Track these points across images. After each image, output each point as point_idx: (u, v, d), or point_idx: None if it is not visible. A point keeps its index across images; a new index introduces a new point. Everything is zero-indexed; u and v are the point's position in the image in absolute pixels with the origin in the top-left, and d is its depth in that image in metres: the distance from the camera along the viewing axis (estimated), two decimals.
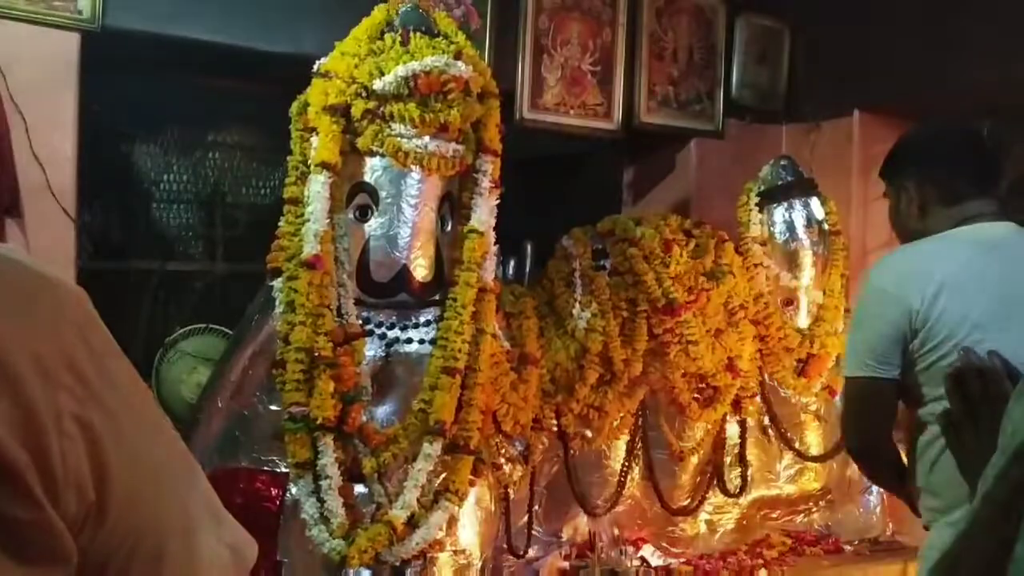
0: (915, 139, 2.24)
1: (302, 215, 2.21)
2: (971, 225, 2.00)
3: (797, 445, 3.04)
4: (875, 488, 3.17)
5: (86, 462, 0.68)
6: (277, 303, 2.22)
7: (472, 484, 2.28)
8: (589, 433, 2.65)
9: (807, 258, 2.99)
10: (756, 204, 3.03)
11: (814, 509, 3.10)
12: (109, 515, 0.70)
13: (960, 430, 1.09)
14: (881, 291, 2.01)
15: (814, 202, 3.02)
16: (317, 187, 2.17)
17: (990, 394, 1.07)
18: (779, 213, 3.00)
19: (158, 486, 0.76)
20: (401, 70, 2.13)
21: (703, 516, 2.91)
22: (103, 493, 0.70)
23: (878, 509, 3.17)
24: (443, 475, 2.23)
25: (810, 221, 3.00)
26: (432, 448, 2.19)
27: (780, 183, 3.03)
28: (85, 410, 0.68)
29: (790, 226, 2.98)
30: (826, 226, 3.03)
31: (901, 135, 2.30)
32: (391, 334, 2.30)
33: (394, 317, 2.31)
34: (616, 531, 2.74)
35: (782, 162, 3.08)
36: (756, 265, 2.98)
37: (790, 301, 3.00)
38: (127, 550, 0.73)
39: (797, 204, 3.00)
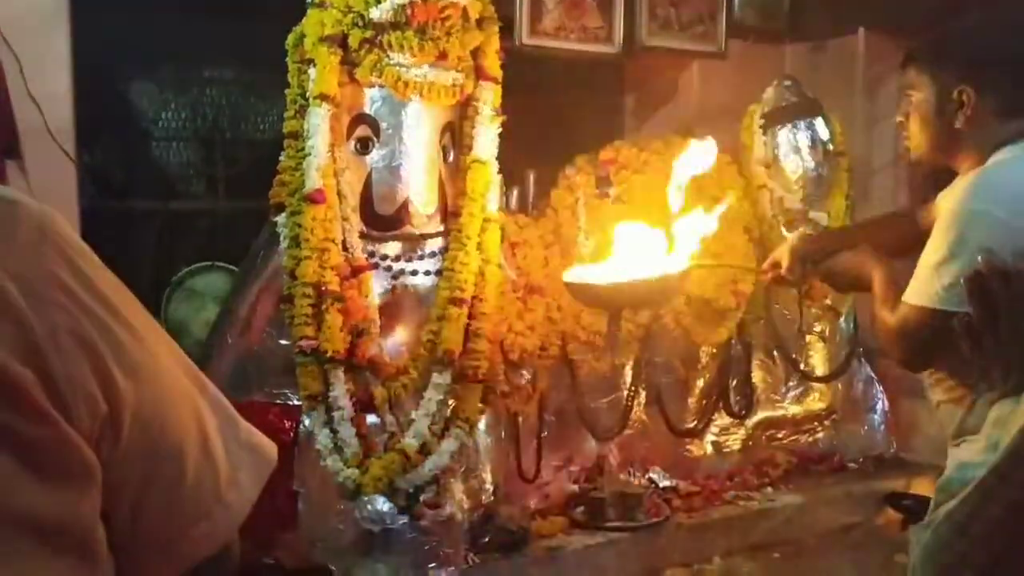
0: (991, 41, 1.82)
1: (303, 149, 2.20)
2: None
3: (802, 366, 3.06)
4: (879, 407, 3.20)
5: (90, 375, 0.69)
6: (282, 238, 2.23)
7: (482, 412, 2.32)
8: (594, 360, 2.67)
9: (811, 179, 2.97)
10: (760, 126, 3.00)
11: (819, 429, 3.14)
12: (123, 425, 0.71)
13: (981, 335, 1.07)
14: (985, 215, 1.65)
15: (819, 123, 2.99)
16: (316, 120, 2.15)
17: (1011, 296, 1.05)
18: (783, 135, 2.97)
19: (167, 392, 0.76)
20: None
21: (709, 438, 2.96)
22: (114, 403, 0.70)
23: (882, 427, 3.21)
24: (453, 404, 2.26)
25: (814, 142, 2.96)
26: (441, 378, 2.22)
27: (784, 104, 2.99)
28: (80, 325, 0.69)
29: (794, 148, 2.96)
30: (831, 147, 3.00)
31: (960, 27, 1.88)
32: (397, 266, 2.30)
33: (399, 249, 2.31)
34: (624, 454, 2.78)
35: (786, 83, 3.04)
36: (760, 187, 2.96)
37: (794, 222, 2.99)
38: (147, 459, 0.73)
39: (801, 125, 2.96)
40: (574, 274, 2.29)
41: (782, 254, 2.10)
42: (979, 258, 1.06)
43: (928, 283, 1.71)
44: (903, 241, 1.97)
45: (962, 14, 1.91)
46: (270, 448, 0.86)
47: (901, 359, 1.86)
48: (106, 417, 0.70)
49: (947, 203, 1.75)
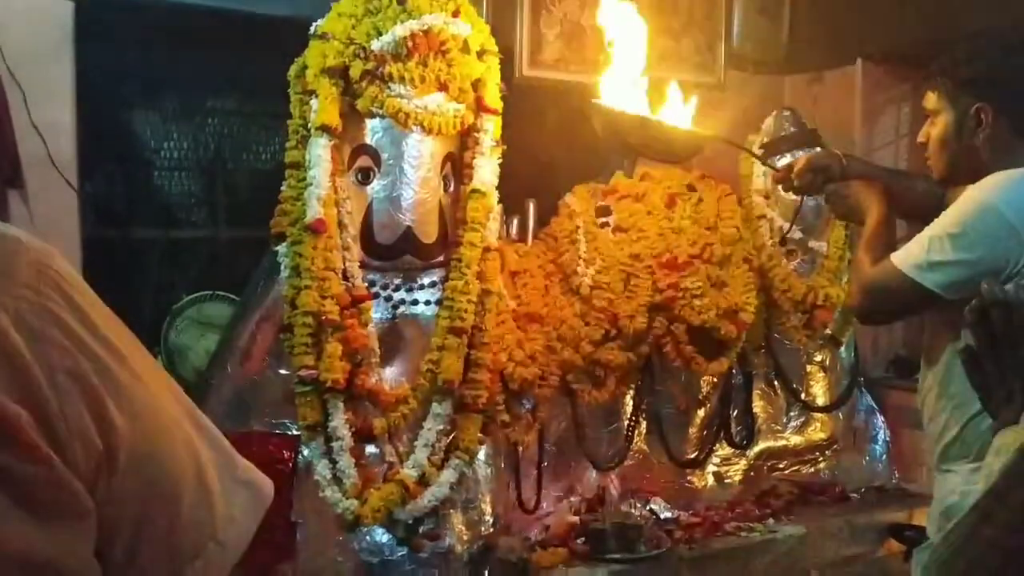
0: (1005, 60, 1.84)
1: (304, 179, 2.21)
2: None
3: (803, 396, 3.06)
4: (881, 437, 3.19)
5: (87, 414, 0.69)
6: (282, 268, 2.23)
7: (481, 442, 2.31)
8: (595, 389, 2.66)
9: (810, 209, 2.97)
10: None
11: (820, 459, 3.13)
12: (119, 464, 0.71)
13: (982, 363, 1.09)
14: (994, 211, 1.69)
15: None
16: (318, 150, 2.16)
17: (1013, 326, 1.06)
18: (781, 165, 2.97)
19: (163, 430, 0.76)
20: (399, 29, 2.12)
21: (711, 468, 2.94)
22: (109, 442, 0.70)
23: (884, 458, 3.20)
24: (453, 434, 2.25)
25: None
26: (441, 408, 2.22)
27: (783, 134, 3.01)
28: (77, 364, 0.69)
29: None
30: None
31: (974, 49, 1.87)
32: (397, 296, 2.30)
33: (399, 279, 2.31)
34: (625, 485, 2.77)
35: (785, 113, 3.05)
36: (759, 217, 2.97)
37: (793, 252, 2.99)
38: (143, 498, 0.73)
39: (800, 155, 2.97)
40: (604, 99, 2.35)
41: (800, 160, 2.13)
42: (983, 286, 1.09)
43: (918, 253, 1.76)
44: (917, 203, 1.99)
45: (970, 38, 1.92)
46: (267, 485, 0.86)
47: (860, 307, 1.93)
48: (101, 455, 0.69)
49: (970, 190, 1.79)
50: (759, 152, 2.75)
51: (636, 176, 2.91)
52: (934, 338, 1.91)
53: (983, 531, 0.95)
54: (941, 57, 1.89)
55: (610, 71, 2.45)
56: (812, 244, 3.00)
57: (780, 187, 2.45)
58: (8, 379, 0.65)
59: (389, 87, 2.14)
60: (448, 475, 2.20)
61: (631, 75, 2.41)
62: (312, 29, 2.23)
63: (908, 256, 1.78)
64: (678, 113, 2.32)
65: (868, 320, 2.03)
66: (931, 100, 1.89)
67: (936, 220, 1.78)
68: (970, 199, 1.75)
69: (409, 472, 2.17)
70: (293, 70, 2.27)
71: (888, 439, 3.19)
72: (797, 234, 2.98)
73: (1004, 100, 1.79)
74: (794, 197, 2.50)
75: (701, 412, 2.89)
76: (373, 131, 2.23)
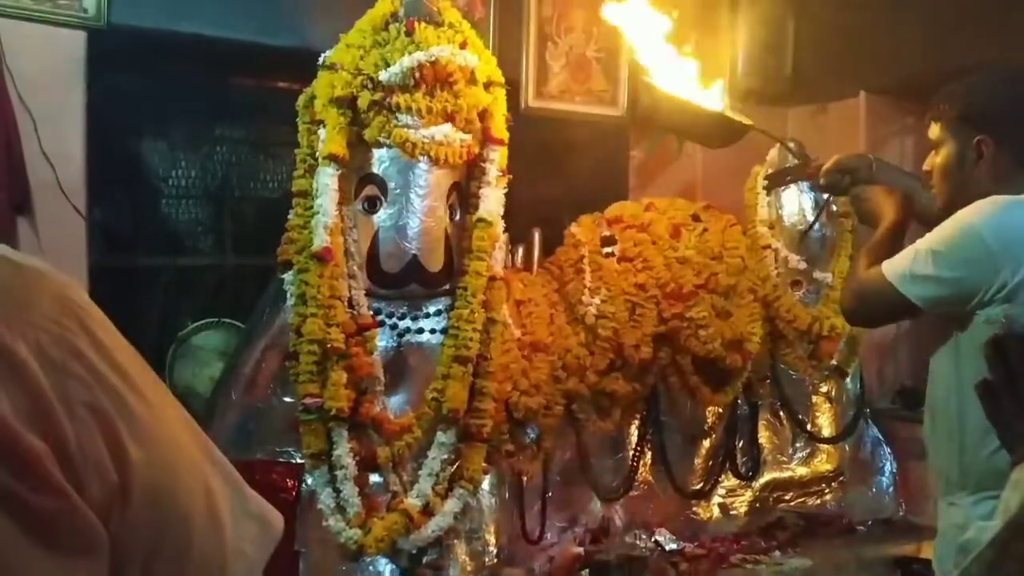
0: (1004, 93, 1.88)
1: (311, 208, 2.22)
2: None
3: (809, 427, 3.04)
4: (887, 469, 3.17)
5: (103, 447, 0.69)
6: (288, 296, 2.24)
7: (486, 472, 2.30)
8: (600, 419, 2.66)
9: (815, 240, 2.98)
10: (763, 187, 3.03)
11: (826, 491, 3.11)
12: (133, 496, 0.71)
13: (999, 397, 1.08)
14: (976, 236, 1.72)
15: None
16: (325, 179, 2.18)
17: None
18: (786, 196, 2.99)
19: (177, 463, 0.76)
20: (407, 60, 2.14)
21: (716, 500, 2.92)
22: (124, 474, 0.70)
23: (891, 490, 3.18)
24: (457, 463, 2.24)
25: (817, 203, 2.99)
26: (446, 437, 2.21)
27: (787, 165, 3.02)
28: (95, 397, 0.69)
29: (797, 208, 2.98)
30: (834, 208, 3.02)
31: (974, 82, 1.90)
32: (402, 324, 2.31)
33: (405, 307, 2.32)
34: (629, 516, 2.75)
35: (789, 144, 3.07)
36: (764, 247, 2.98)
37: (798, 283, 3.00)
38: (155, 530, 0.73)
39: (805, 186, 2.99)
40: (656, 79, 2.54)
41: (831, 159, 2.19)
42: (1002, 319, 1.09)
43: (904, 263, 1.81)
44: (927, 212, 2.02)
45: (970, 72, 1.95)
46: (277, 520, 0.86)
47: (845, 309, 2.01)
48: (116, 488, 0.70)
49: (961, 212, 1.81)
50: (791, 147, 2.81)
51: (642, 205, 2.92)
52: (935, 367, 1.92)
53: (1004, 566, 0.94)
54: (943, 90, 1.93)
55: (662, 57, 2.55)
56: (817, 275, 3.00)
57: (808, 185, 2.60)
58: (27, 410, 0.65)
59: (396, 117, 2.16)
60: (452, 505, 2.19)
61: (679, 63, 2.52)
62: (321, 60, 2.25)
63: (895, 265, 1.83)
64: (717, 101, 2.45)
65: (852, 322, 2.11)
66: (934, 131, 1.93)
67: (927, 235, 1.82)
68: (958, 220, 1.79)
69: (413, 501, 2.16)
70: (301, 100, 2.29)
71: (895, 471, 3.17)
72: (802, 264, 2.98)
73: (1004, 132, 1.82)
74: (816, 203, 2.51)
75: (706, 443, 2.88)
76: (380, 160, 2.25)
